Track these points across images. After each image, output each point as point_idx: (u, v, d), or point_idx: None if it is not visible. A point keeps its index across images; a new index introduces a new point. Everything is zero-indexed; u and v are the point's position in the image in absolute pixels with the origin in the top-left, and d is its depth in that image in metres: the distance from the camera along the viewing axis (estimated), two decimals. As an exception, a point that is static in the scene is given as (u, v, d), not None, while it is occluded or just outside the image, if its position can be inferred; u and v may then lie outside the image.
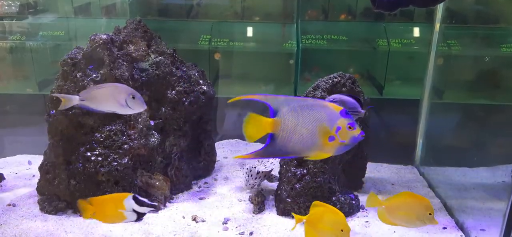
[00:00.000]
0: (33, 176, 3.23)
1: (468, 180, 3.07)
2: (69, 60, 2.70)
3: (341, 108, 1.79)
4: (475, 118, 3.33)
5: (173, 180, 2.97)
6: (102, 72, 2.69)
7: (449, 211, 2.89)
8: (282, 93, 2.53)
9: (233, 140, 4.01)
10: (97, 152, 2.65)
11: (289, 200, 2.68)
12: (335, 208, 2.16)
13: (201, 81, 3.11)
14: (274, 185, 3.06)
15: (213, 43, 3.90)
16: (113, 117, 2.69)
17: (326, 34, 3.91)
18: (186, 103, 2.99)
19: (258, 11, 4.20)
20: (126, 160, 2.69)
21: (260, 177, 2.98)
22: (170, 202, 2.90)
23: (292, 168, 2.70)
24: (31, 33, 3.92)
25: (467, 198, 2.93)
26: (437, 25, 3.37)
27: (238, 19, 4.17)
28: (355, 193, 2.95)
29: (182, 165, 3.04)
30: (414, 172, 3.54)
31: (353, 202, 2.82)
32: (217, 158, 3.46)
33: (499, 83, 3.33)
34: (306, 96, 2.78)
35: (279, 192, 2.83)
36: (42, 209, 2.75)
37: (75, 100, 2.16)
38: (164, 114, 2.96)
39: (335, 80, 2.79)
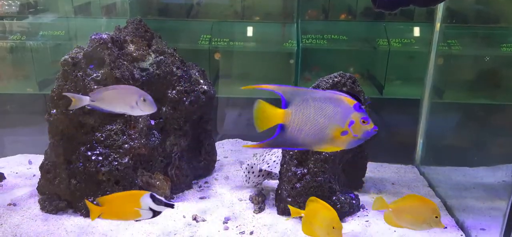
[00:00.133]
0: (34, 175, 3.23)
1: (468, 179, 3.07)
2: (69, 60, 2.70)
3: (354, 101, 1.77)
4: (475, 117, 3.33)
5: (174, 179, 2.97)
6: (102, 71, 2.69)
7: (449, 210, 2.89)
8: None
9: (233, 139, 4.01)
10: (98, 152, 2.66)
11: (290, 199, 2.68)
12: (328, 205, 2.17)
13: (201, 81, 3.11)
14: (274, 184, 3.06)
15: (213, 43, 3.90)
16: (114, 117, 2.69)
17: (326, 33, 3.92)
18: (186, 102, 2.99)
19: (258, 11, 4.21)
20: (126, 159, 2.69)
21: (263, 175, 2.98)
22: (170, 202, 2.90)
23: (292, 168, 2.70)
24: (31, 32, 3.92)
25: (467, 198, 2.93)
26: (438, 25, 3.37)
27: (238, 19, 4.18)
28: (356, 193, 2.95)
29: (183, 165, 3.04)
30: (414, 171, 3.54)
31: (354, 201, 2.82)
32: (218, 158, 3.46)
33: (499, 83, 3.33)
34: None
35: (279, 192, 2.83)
36: (43, 208, 2.75)
37: (85, 100, 2.16)
38: (164, 114, 2.96)
39: (335, 79, 2.79)
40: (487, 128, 3.19)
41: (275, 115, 1.80)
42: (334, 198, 2.69)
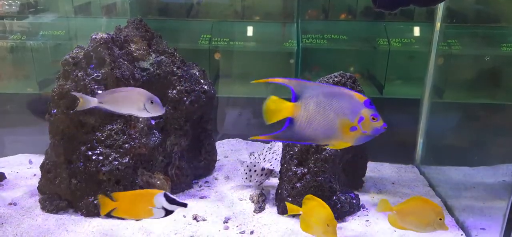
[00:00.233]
0: (34, 175, 3.23)
1: (469, 179, 3.07)
2: (70, 59, 2.71)
3: (365, 98, 1.77)
4: (475, 117, 3.33)
5: (174, 179, 2.97)
6: (103, 71, 2.70)
7: (450, 210, 2.90)
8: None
9: (234, 139, 4.01)
10: (98, 151, 2.66)
11: (290, 199, 2.69)
12: (324, 203, 2.18)
13: (202, 81, 3.11)
14: (274, 184, 3.06)
15: (213, 43, 3.90)
16: (114, 116, 2.69)
17: (327, 33, 3.92)
18: (187, 102, 3.00)
19: (258, 11, 4.21)
20: (127, 159, 2.69)
21: (266, 173, 2.98)
22: (171, 201, 2.90)
23: (292, 167, 2.70)
24: (31, 32, 3.92)
25: (467, 197, 2.94)
26: (438, 24, 3.37)
27: (238, 19, 4.18)
28: (356, 192, 2.95)
29: (183, 164, 3.04)
30: (414, 171, 3.54)
31: (354, 201, 2.82)
32: (218, 157, 3.46)
33: (500, 83, 3.33)
34: None
35: (279, 191, 2.83)
36: (43, 208, 2.75)
37: (93, 102, 2.18)
38: (165, 113, 2.96)
39: (335, 79, 2.79)
40: (487, 127, 3.19)
41: (285, 108, 1.80)
42: (334, 197, 2.70)
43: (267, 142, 3.28)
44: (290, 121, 1.81)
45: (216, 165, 3.43)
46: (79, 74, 2.66)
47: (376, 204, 2.93)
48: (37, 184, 2.84)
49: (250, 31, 4.08)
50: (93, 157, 2.65)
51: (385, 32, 3.86)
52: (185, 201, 2.11)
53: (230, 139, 4.01)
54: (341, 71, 2.88)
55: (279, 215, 2.79)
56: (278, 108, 1.81)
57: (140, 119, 2.77)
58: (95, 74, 2.69)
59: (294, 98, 1.79)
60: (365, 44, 3.91)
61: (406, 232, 2.58)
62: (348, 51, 3.89)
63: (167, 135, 2.99)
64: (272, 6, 4.23)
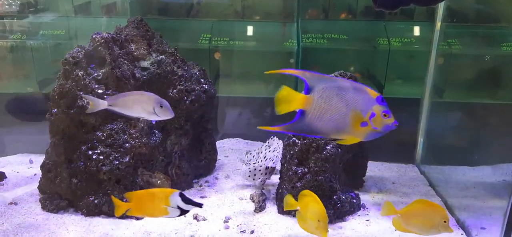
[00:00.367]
0: (35, 174, 3.23)
1: (469, 178, 3.07)
2: (70, 59, 2.71)
3: (377, 94, 1.76)
4: (475, 117, 3.33)
5: (174, 178, 2.97)
6: (103, 71, 2.70)
7: (450, 209, 2.90)
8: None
9: (234, 139, 4.01)
10: (99, 151, 2.66)
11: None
12: (317, 199, 2.18)
13: (202, 80, 3.11)
14: (275, 183, 3.07)
15: (213, 42, 3.90)
16: (115, 116, 2.69)
17: (327, 33, 3.91)
18: (187, 102, 3.00)
19: (258, 10, 4.20)
20: (127, 158, 2.69)
21: (269, 172, 2.99)
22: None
23: (293, 167, 2.70)
24: (31, 32, 3.92)
25: (467, 197, 2.94)
26: (438, 24, 3.37)
27: (239, 18, 4.17)
28: (356, 192, 2.95)
29: (183, 164, 3.04)
30: (414, 170, 3.55)
31: (354, 200, 2.82)
32: (218, 157, 3.46)
33: (500, 82, 3.33)
34: None
35: (280, 191, 2.83)
36: (44, 207, 2.75)
37: (103, 104, 2.20)
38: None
39: (336, 79, 2.79)
40: (488, 127, 3.19)
41: (297, 99, 1.79)
42: (334, 197, 2.70)
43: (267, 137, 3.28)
44: (301, 113, 1.79)
45: (216, 164, 3.43)
46: (79, 74, 2.67)
47: (377, 204, 2.94)
48: (38, 184, 2.85)
49: (250, 30, 4.08)
50: (94, 157, 2.65)
51: (385, 32, 3.86)
52: None
53: (230, 139, 4.01)
54: (341, 71, 2.88)
55: (279, 214, 2.79)
56: (290, 99, 1.80)
57: (141, 118, 2.77)
58: (96, 74, 2.69)
59: (307, 90, 1.78)
60: (365, 44, 3.91)
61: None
62: (348, 51, 3.89)
63: (167, 134, 2.99)
64: (272, 5, 4.23)
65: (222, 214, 2.76)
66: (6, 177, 3.20)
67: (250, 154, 3.28)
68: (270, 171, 2.99)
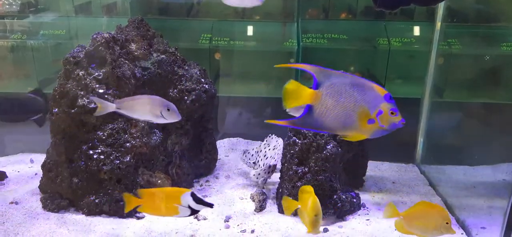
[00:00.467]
0: (36, 174, 3.23)
1: (469, 178, 3.08)
2: (71, 59, 2.71)
3: (386, 91, 1.76)
4: (475, 116, 3.34)
5: (175, 178, 2.97)
6: (104, 70, 2.70)
7: (450, 209, 2.90)
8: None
9: (234, 138, 4.01)
10: (100, 150, 2.66)
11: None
12: (312, 193, 2.19)
13: (202, 80, 3.11)
14: (275, 182, 3.07)
15: (213, 42, 3.90)
16: (115, 116, 2.70)
17: (327, 33, 3.92)
18: (188, 101, 3.00)
19: (258, 10, 4.20)
20: (128, 158, 2.70)
21: (270, 170, 3.00)
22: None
23: (293, 166, 2.71)
24: (32, 32, 3.92)
25: (467, 196, 2.94)
26: (438, 24, 3.38)
27: (239, 18, 4.17)
28: (356, 191, 2.96)
29: (184, 163, 3.04)
30: (415, 170, 3.55)
31: (354, 200, 2.83)
32: (219, 157, 3.47)
33: (500, 82, 3.33)
34: None
35: (280, 190, 2.84)
36: (45, 207, 2.75)
37: (111, 107, 2.23)
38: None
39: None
40: (488, 127, 3.20)
41: (305, 94, 1.78)
42: (335, 196, 2.70)
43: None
44: (309, 108, 1.79)
45: (217, 164, 3.43)
46: (80, 74, 2.67)
47: (377, 203, 2.95)
48: (39, 183, 2.85)
49: (250, 30, 4.08)
50: (94, 156, 2.65)
51: (385, 32, 3.87)
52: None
53: (230, 138, 4.01)
54: (342, 71, 2.88)
55: (280, 214, 2.79)
56: (297, 93, 1.80)
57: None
58: (96, 73, 2.69)
59: (315, 85, 1.78)
60: (365, 44, 3.92)
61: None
62: (348, 51, 3.89)
63: (168, 134, 3.00)
64: (272, 5, 4.23)
65: (223, 213, 2.77)
66: (7, 177, 3.20)
67: (249, 153, 3.28)
68: (272, 169, 3.00)
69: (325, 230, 2.60)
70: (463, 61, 3.62)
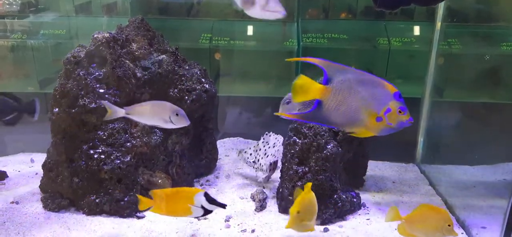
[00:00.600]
0: (36, 174, 3.23)
1: (469, 178, 3.08)
2: (72, 59, 2.72)
3: (396, 89, 1.76)
4: (476, 116, 3.34)
5: (175, 178, 2.97)
6: (104, 70, 2.70)
7: (450, 209, 2.90)
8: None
9: (235, 138, 4.02)
10: (100, 150, 2.66)
11: (291, 197, 2.69)
12: (308, 195, 2.19)
13: (203, 80, 3.11)
14: (276, 182, 3.08)
15: (213, 42, 3.91)
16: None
17: (327, 32, 3.92)
18: (188, 101, 3.00)
19: (258, 10, 4.20)
20: (128, 158, 2.70)
21: (272, 168, 3.00)
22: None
23: (293, 166, 2.71)
24: (32, 31, 3.93)
25: (468, 196, 2.94)
26: (438, 24, 3.37)
27: (239, 18, 4.17)
28: (357, 191, 2.96)
29: (184, 163, 3.04)
30: (415, 170, 3.55)
31: (355, 200, 2.83)
32: (219, 156, 3.47)
33: (500, 82, 3.34)
34: None
35: (280, 190, 2.84)
36: (45, 206, 2.76)
37: (121, 112, 2.26)
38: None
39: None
40: (488, 126, 3.20)
41: (314, 89, 1.78)
42: (335, 196, 2.70)
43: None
44: (318, 103, 1.79)
45: (217, 164, 3.44)
46: (80, 73, 2.67)
47: (377, 203, 2.95)
48: (39, 183, 2.85)
49: (250, 30, 4.08)
50: (95, 156, 2.66)
51: (386, 31, 3.87)
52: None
53: (231, 138, 4.02)
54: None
55: (280, 213, 2.80)
56: (307, 88, 1.80)
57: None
58: (97, 73, 2.70)
59: (325, 81, 1.78)
60: (365, 44, 3.92)
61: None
62: (349, 50, 3.90)
63: (168, 134, 2.99)
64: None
65: (223, 213, 2.76)
66: (7, 176, 3.20)
67: (246, 153, 3.27)
68: (273, 167, 3.01)
69: (326, 230, 2.60)
70: (463, 61, 3.62)
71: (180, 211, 2.11)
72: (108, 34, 2.74)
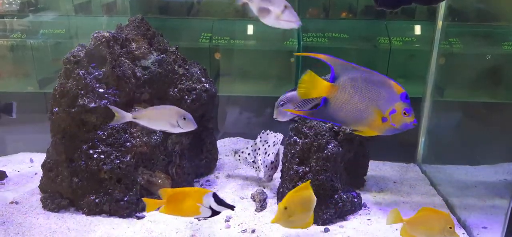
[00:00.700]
0: (36, 173, 3.23)
1: (470, 178, 3.08)
2: (71, 58, 2.71)
3: (403, 90, 1.75)
4: (477, 116, 3.34)
5: (175, 178, 2.97)
6: (104, 70, 2.69)
7: (451, 209, 2.90)
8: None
9: (235, 138, 4.01)
10: (100, 150, 2.66)
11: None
12: (302, 192, 2.18)
13: (203, 79, 3.11)
14: (276, 183, 3.07)
15: (214, 41, 3.90)
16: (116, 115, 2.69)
17: (327, 32, 3.91)
18: (188, 101, 2.99)
19: (258, 9, 4.19)
20: (128, 158, 2.69)
21: (275, 166, 3.00)
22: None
23: (294, 166, 2.70)
24: (32, 31, 3.92)
25: (469, 196, 2.94)
26: (439, 23, 3.37)
27: (239, 17, 4.17)
28: (357, 191, 2.95)
29: (184, 163, 3.04)
30: (416, 170, 3.54)
31: (355, 200, 2.82)
32: (219, 156, 3.46)
33: (501, 81, 3.33)
34: None
35: (281, 190, 2.83)
36: (45, 206, 2.75)
37: (128, 117, 2.28)
38: (166, 112, 2.96)
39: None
40: (489, 126, 3.19)
41: (321, 87, 1.78)
42: (336, 196, 2.69)
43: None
44: (324, 100, 1.79)
45: (217, 163, 3.43)
46: (80, 73, 2.66)
47: (378, 203, 2.95)
48: (39, 183, 2.85)
49: (250, 29, 4.08)
50: (95, 156, 2.65)
51: (386, 31, 3.86)
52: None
53: (231, 138, 4.01)
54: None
55: (280, 213, 2.78)
56: (314, 85, 1.80)
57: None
58: (97, 73, 2.69)
59: (332, 78, 1.77)
60: (366, 43, 3.91)
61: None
62: (349, 50, 3.89)
63: (168, 133, 2.98)
64: None
65: (223, 213, 2.75)
66: (7, 176, 3.20)
67: (243, 153, 3.25)
68: (275, 165, 3.01)
69: (326, 230, 2.59)
70: (464, 60, 3.61)
71: (189, 211, 2.11)
72: (108, 34, 2.73)
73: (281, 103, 2.50)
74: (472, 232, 2.62)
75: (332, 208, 2.67)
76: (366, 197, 3.00)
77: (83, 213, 2.70)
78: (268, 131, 3.18)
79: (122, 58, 2.78)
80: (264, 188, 3.05)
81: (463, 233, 2.64)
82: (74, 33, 4.01)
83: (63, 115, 2.66)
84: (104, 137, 2.67)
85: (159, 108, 2.41)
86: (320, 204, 2.63)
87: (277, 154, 3.06)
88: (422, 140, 3.61)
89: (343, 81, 1.76)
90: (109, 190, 2.67)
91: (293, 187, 2.66)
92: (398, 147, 3.57)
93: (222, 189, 3.10)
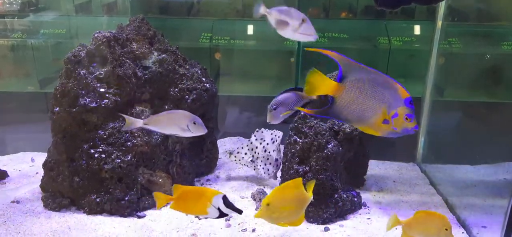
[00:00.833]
0: (37, 173, 3.24)
1: (470, 177, 3.08)
2: (72, 58, 2.71)
3: (408, 95, 1.76)
4: (476, 115, 3.34)
5: (175, 177, 2.97)
6: (105, 69, 2.70)
7: (451, 208, 2.90)
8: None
9: (235, 137, 4.01)
10: (101, 149, 2.66)
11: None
12: (293, 188, 2.17)
13: (203, 79, 3.11)
14: (276, 183, 3.08)
15: (214, 41, 3.91)
16: (116, 115, 2.70)
17: (327, 32, 3.92)
18: (188, 100, 3.00)
19: (258, 9, 4.19)
20: (129, 157, 2.70)
21: (279, 163, 3.00)
22: (173, 199, 2.90)
23: (294, 165, 2.71)
24: (32, 31, 3.93)
25: (468, 195, 2.94)
26: (439, 23, 3.37)
27: (239, 17, 4.17)
28: (357, 190, 2.96)
29: (184, 163, 3.04)
30: (415, 169, 3.55)
31: (355, 199, 2.83)
32: (219, 156, 3.47)
33: (500, 81, 3.34)
34: None
35: (281, 189, 2.84)
36: (46, 206, 2.76)
37: (138, 123, 2.31)
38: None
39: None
40: (489, 126, 3.20)
41: (327, 86, 1.79)
42: (336, 195, 2.70)
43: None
44: (331, 100, 1.81)
45: (217, 163, 3.44)
46: (81, 72, 2.67)
47: (378, 202, 2.95)
48: (40, 182, 2.85)
49: (250, 29, 4.08)
50: (96, 155, 2.66)
51: (386, 31, 3.87)
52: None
53: (231, 137, 4.01)
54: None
55: (281, 213, 2.79)
56: (320, 83, 1.81)
57: (143, 117, 2.78)
58: (97, 72, 2.69)
59: (340, 78, 1.79)
60: (365, 43, 3.92)
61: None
62: (349, 50, 3.89)
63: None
64: (273, 4, 4.23)
65: (224, 212, 2.76)
66: (8, 176, 3.20)
67: (239, 153, 3.23)
68: (279, 162, 3.01)
69: (326, 229, 2.60)
70: (464, 60, 3.62)
71: (197, 209, 2.11)
72: (108, 34, 2.74)
73: (274, 107, 2.51)
74: (472, 231, 2.62)
75: (332, 207, 2.67)
76: (366, 196, 3.01)
77: (84, 212, 2.71)
78: (262, 129, 3.17)
79: (123, 58, 2.79)
80: (265, 187, 3.06)
81: (463, 232, 2.65)
82: (75, 33, 4.01)
83: (64, 114, 2.66)
84: (105, 136, 2.68)
85: (169, 113, 2.43)
86: (320, 203, 2.64)
87: (280, 152, 3.06)
88: (421, 139, 3.61)
89: (350, 81, 1.78)
90: (110, 190, 2.68)
91: (293, 186, 2.67)
92: (398, 146, 3.58)
93: (222, 188, 3.11)
